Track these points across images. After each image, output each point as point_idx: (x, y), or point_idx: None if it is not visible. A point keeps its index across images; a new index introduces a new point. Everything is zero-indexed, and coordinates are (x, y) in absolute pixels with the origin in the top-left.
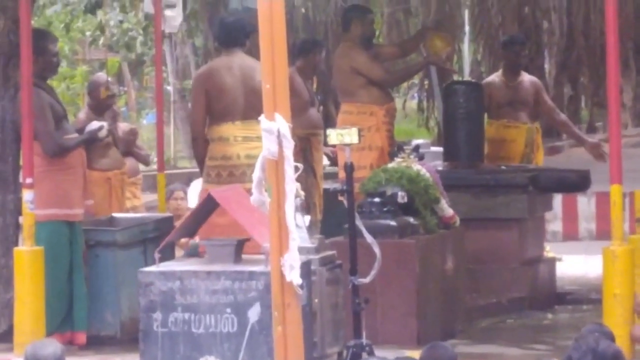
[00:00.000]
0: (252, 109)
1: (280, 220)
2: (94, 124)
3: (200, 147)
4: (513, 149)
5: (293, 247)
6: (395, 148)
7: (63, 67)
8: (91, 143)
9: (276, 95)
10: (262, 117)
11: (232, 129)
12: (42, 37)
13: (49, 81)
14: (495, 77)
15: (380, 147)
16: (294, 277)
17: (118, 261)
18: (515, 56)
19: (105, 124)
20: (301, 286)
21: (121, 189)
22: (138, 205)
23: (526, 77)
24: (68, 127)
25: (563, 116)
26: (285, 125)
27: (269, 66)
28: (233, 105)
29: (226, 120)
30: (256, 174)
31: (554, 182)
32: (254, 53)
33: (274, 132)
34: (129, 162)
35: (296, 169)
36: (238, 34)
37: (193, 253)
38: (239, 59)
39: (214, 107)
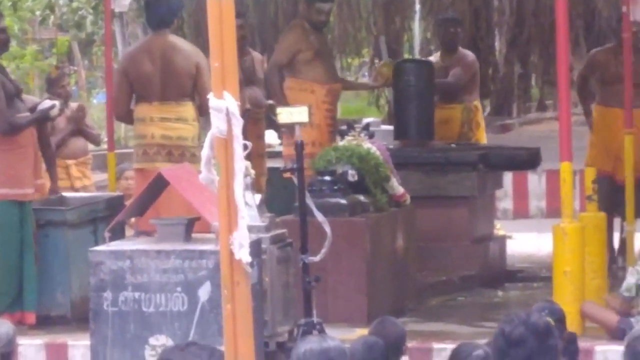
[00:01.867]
0: (170, 90)
1: (229, 198)
2: (46, 103)
3: (130, 124)
4: (449, 129)
5: (242, 225)
6: (336, 129)
7: (13, 46)
8: (43, 122)
9: (225, 73)
10: (210, 95)
11: (148, 110)
12: None
13: None
14: (434, 57)
15: (318, 125)
16: (243, 255)
17: (68, 241)
18: (448, 34)
19: (57, 102)
20: (251, 264)
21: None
22: (88, 185)
23: (461, 55)
24: (20, 106)
25: None
26: (234, 103)
27: (218, 44)
28: (150, 87)
29: (144, 101)
30: (205, 152)
31: (504, 159)
32: (186, 33)
33: (222, 110)
34: (79, 141)
35: (245, 147)
36: (164, 15)
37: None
38: (162, 40)
39: (135, 89)
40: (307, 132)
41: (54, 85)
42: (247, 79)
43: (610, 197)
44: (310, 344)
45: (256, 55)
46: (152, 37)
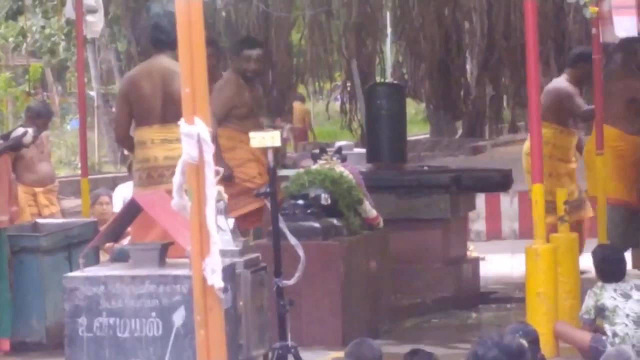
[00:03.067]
0: (170, 113)
1: (201, 224)
2: (19, 130)
3: (126, 148)
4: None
5: (214, 250)
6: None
7: None
8: (16, 149)
9: (195, 99)
10: (181, 121)
11: (149, 133)
12: None
13: None
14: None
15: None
16: (216, 280)
17: (43, 267)
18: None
19: (30, 129)
20: (225, 289)
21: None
22: (55, 212)
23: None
24: None
25: None
26: (205, 129)
27: (188, 70)
28: (151, 110)
29: (144, 125)
30: (176, 178)
31: (477, 181)
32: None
33: (193, 136)
34: (45, 168)
35: (216, 172)
36: (163, 37)
37: (117, 258)
38: (162, 62)
39: (135, 112)
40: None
41: (37, 117)
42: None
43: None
44: None
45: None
46: (152, 60)
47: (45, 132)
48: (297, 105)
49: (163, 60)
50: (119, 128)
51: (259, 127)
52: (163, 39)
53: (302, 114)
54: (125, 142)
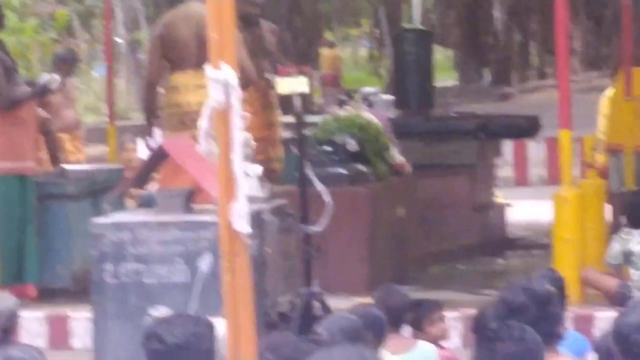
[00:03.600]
0: (205, 59)
1: (228, 169)
2: (45, 77)
3: (151, 94)
4: None
5: (241, 196)
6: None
7: (12, 20)
8: (43, 96)
9: (223, 45)
10: (208, 67)
11: (183, 78)
12: None
13: None
14: None
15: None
16: (242, 226)
17: (69, 213)
18: None
19: (56, 76)
20: (251, 235)
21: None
22: (80, 159)
23: None
24: (18, 80)
25: None
26: (233, 74)
27: (216, 15)
28: (186, 54)
29: (178, 70)
30: (203, 124)
31: (504, 128)
32: None
33: (220, 81)
34: (71, 114)
35: (244, 118)
36: None
37: (144, 204)
38: (197, 8)
39: (169, 56)
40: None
41: (63, 63)
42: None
43: None
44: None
45: (266, 25)
46: (187, 5)
47: (71, 79)
48: (326, 51)
49: (197, 6)
50: (151, 72)
51: (261, 71)
52: None
53: (333, 60)
54: (155, 86)
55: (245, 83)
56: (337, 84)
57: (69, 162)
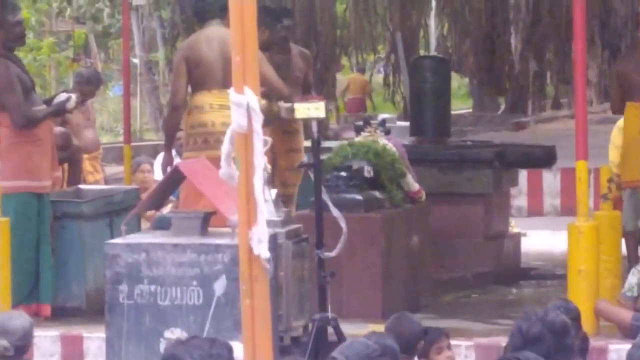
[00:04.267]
0: (229, 78)
1: (249, 193)
2: (62, 96)
3: (175, 117)
4: None
5: (261, 220)
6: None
7: (30, 38)
8: (59, 115)
9: (246, 68)
10: (231, 90)
11: (207, 97)
12: (4, 6)
13: (15, 52)
14: None
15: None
16: (262, 250)
17: (84, 233)
18: None
19: (73, 95)
20: (268, 260)
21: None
22: (99, 179)
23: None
24: (36, 99)
25: None
26: (255, 99)
27: (239, 38)
28: (210, 75)
29: (203, 89)
30: (225, 147)
31: (520, 157)
32: None
33: (243, 105)
34: (90, 134)
35: (265, 142)
36: (213, 6)
37: (159, 226)
38: (218, 31)
39: (193, 77)
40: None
41: (87, 84)
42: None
43: None
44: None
45: (296, 50)
46: (209, 28)
47: (91, 99)
48: (356, 76)
49: (219, 28)
50: (178, 93)
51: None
52: (208, 8)
53: (362, 84)
54: (182, 108)
55: (277, 96)
56: (363, 108)
57: (87, 183)
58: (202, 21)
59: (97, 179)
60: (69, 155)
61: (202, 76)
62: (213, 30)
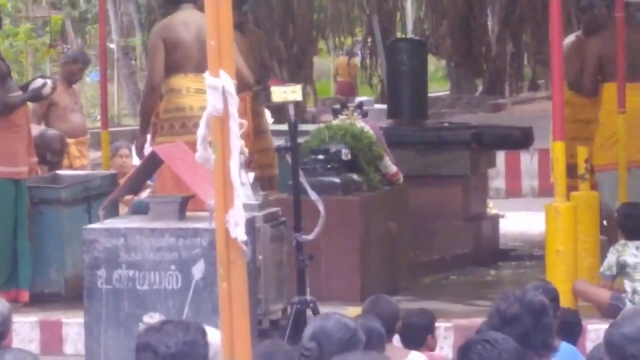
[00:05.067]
0: (206, 62)
1: (225, 176)
2: (38, 82)
3: (152, 99)
4: None
5: (238, 203)
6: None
7: (6, 24)
8: (36, 100)
9: (221, 51)
10: (206, 74)
11: (184, 81)
12: None
13: None
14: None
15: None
16: (239, 233)
17: (62, 218)
18: None
19: (49, 80)
20: (246, 243)
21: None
22: (86, 164)
23: None
24: (12, 85)
25: None
26: (230, 82)
27: (214, 22)
28: (186, 57)
29: (179, 72)
30: (201, 131)
31: (497, 139)
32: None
33: (218, 88)
34: (77, 119)
35: (241, 125)
36: None
37: (137, 210)
38: (194, 14)
39: (168, 60)
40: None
41: (74, 63)
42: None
43: None
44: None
45: (252, 32)
46: (183, 11)
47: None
48: (344, 59)
49: (194, 11)
50: (155, 75)
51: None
52: None
53: (350, 68)
54: (158, 90)
55: (243, 87)
56: (353, 92)
57: (74, 167)
58: (175, 5)
59: (83, 164)
60: (60, 160)
61: (179, 59)
62: (188, 14)
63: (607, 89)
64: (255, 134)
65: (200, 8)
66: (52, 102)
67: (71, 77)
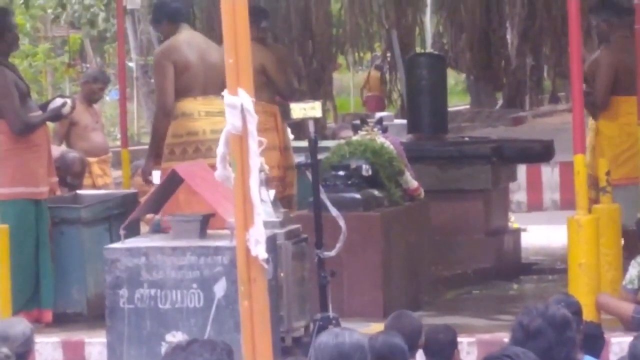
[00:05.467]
0: (211, 84)
1: (245, 194)
2: (58, 101)
3: (168, 121)
4: None
5: (258, 221)
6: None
7: (25, 44)
8: (55, 120)
9: (239, 70)
10: (225, 92)
11: (194, 104)
12: (6, 14)
13: (10, 59)
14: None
15: (281, 147)
16: (260, 251)
17: (83, 238)
18: None
19: (68, 100)
20: (267, 260)
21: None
22: (109, 183)
23: None
24: (32, 105)
25: None
26: (249, 100)
27: (232, 40)
28: (195, 80)
29: (188, 96)
30: (220, 149)
31: (518, 152)
32: (197, 29)
33: (237, 106)
34: (99, 138)
35: (260, 143)
36: (182, 8)
37: (156, 229)
38: (193, 35)
39: (177, 83)
40: (271, 155)
41: (94, 82)
42: None
43: None
44: (327, 336)
45: (280, 49)
46: (184, 32)
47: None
48: (375, 73)
49: (192, 32)
50: (169, 97)
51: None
52: (183, 11)
53: (380, 82)
54: (172, 112)
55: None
56: (384, 107)
57: (97, 186)
58: (174, 23)
59: (106, 182)
60: (81, 182)
61: (187, 82)
62: (190, 35)
63: (622, 103)
64: (283, 150)
65: (193, 28)
66: (73, 121)
67: (91, 96)
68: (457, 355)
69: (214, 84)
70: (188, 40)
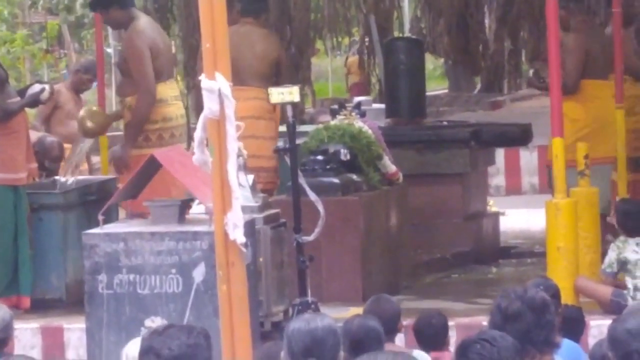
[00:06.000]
0: (171, 68)
1: (223, 179)
2: (36, 87)
3: (152, 106)
4: None
5: (236, 205)
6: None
7: (2, 30)
8: (34, 106)
9: (216, 54)
10: (202, 77)
11: (165, 89)
12: None
13: None
14: None
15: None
16: (238, 235)
17: (62, 224)
18: None
19: (47, 86)
20: (245, 245)
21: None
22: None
23: None
24: (10, 91)
25: None
26: (226, 84)
27: (209, 25)
28: (165, 64)
29: (159, 81)
30: (198, 134)
31: (496, 136)
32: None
33: (214, 91)
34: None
35: (238, 127)
36: None
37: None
38: (150, 18)
39: (153, 67)
40: (269, 146)
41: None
42: None
43: None
44: (299, 322)
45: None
46: (143, 17)
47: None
48: (355, 59)
49: (147, 16)
50: (153, 83)
51: None
52: None
53: (359, 67)
54: (155, 100)
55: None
56: (367, 93)
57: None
58: (125, 8)
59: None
60: (58, 167)
61: (159, 66)
62: (148, 19)
63: (588, 86)
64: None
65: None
66: (58, 105)
67: (80, 86)
68: (449, 340)
69: (171, 68)
70: (150, 25)
